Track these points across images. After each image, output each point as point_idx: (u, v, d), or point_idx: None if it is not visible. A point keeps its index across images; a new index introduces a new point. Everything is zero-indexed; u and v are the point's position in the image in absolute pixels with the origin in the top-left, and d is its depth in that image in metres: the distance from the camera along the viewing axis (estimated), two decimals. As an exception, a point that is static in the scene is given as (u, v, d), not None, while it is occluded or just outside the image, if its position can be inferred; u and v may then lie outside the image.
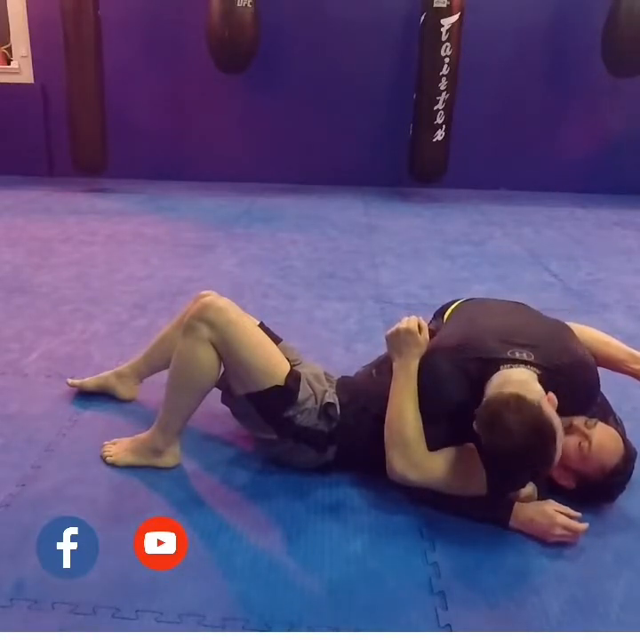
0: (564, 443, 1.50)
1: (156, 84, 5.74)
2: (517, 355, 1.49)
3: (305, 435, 1.62)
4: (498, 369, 1.47)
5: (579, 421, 1.52)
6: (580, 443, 1.50)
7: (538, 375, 1.46)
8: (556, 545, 1.45)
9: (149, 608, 1.25)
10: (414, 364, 1.58)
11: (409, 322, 1.62)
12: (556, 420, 1.37)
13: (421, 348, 1.60)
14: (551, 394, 1.42)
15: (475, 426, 1.41)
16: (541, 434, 1.34)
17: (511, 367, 1.47)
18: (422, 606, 1.29)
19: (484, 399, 1.42)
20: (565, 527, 1.45)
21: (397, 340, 1.61)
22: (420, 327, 1.61)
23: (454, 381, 1.52)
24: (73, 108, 5.08)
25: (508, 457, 1.36)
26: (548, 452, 1.36)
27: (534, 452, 1.35)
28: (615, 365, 1.70)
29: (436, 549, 1.45)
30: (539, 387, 1.43)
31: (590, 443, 1.50)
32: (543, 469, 1.41)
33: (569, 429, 1.51)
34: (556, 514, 1.46)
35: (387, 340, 1.65)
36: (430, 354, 1.59)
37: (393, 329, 1.63)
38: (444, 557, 1.42)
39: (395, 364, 1.61)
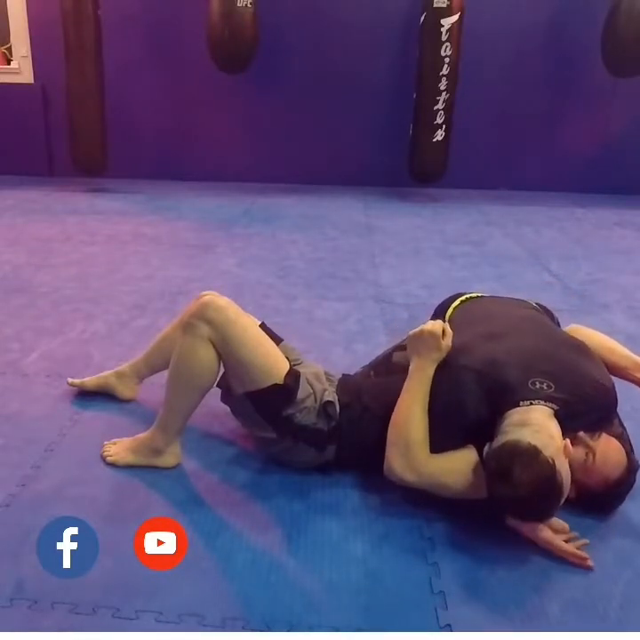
0: None
1: (156, 84, 5.74)
2: (538, 385, 1.48)
3: (304, 433, 1.62)
4: (516, 404, 1.46)
5: (583, 433, 1.51)
6: (585, 454, 1.49)
7: (555, 411, 1.45)
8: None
9: (149, 608, 1.25)
10: (430, 369, 1.58)
11: (434, 325, 1.61)
12: (567, 479, 1.37)
13: (441, 353, 1.59)
14: (567, 442, 1.41)
15: (484, 455, 1.42)
16: (545, 495, 1.34)
17: (530, 404, 1.46)
18: (422, 606, 1.29)
19: (501, 437, 1.40)
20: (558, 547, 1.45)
21: (419, 341, 1.60)
22: (444, 333, 1.61)
23: (476, 403, 1.52)
24: (73, 108, 5.08)
25: (506, 503, 1.38)
26: (546, 510, 1.38)
27: (532, 508, 1.37)
28: (618, 373, 1.70)
29: (436, 549, 1.45)
30: (556, 431, 1.42)
31: (594, 455, 1.49)
32: (535, 522, 1.42)
33: (574, 441, 1.49)
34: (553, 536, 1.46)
35: (409, 339, 1.65)
36: (453, 368, 1.58)
37: (417, 329, 1.63)
38: (444, 557, 1.42)
39: (411, 365, 1.61)
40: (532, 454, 1.34)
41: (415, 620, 1.26)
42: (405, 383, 1.59)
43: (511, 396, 1.48)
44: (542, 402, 1.46)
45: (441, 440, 1.53)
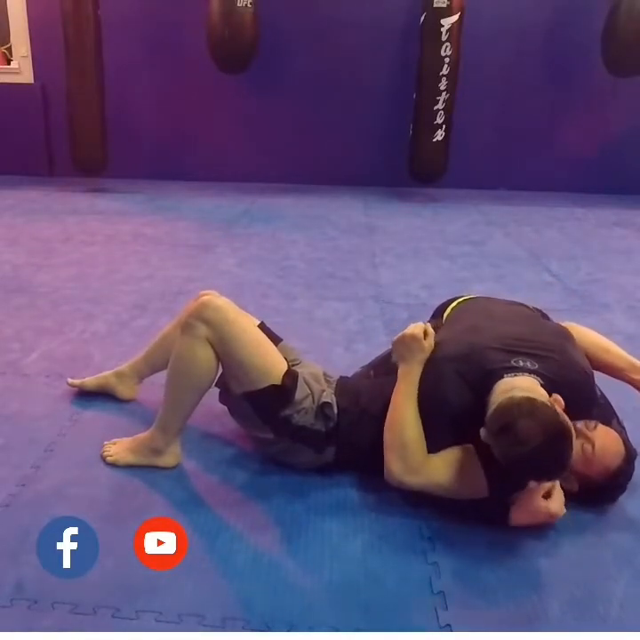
0: None
1: (156, 84, 5.74)
2: (521, 363, 1.49)
3: (301, 434, 1.62)
4: (501, 377, 1.47)
5: (580, 424, 1.52)
6: (582, 445, 1.50)
7: (541, 384, 1.46)
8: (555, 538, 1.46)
9: (149, 608, 1.25)
10: (417, 370, 1.58)
11: (414, 328, 1.62)
12: (569, 421, 1.37)
13: (425, 354, 1.59)
14: (557, 395, 1.42)
15: (483, 434, 1.40)
16: (558, 438, 1.33)
17: (515, 375, 1.46)
18: (422, 606, 1.29)
19: (492, 406, 1.41)
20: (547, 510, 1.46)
21: (402, 346, 1.61)
22: (426, 333, 1.61)
23: (458, 392, 1.53)
24: (73, 108, 5.08)
25: (524, 464, 1.34)
26: (565, 455, 1.35)
27: (551, 457, 1.34)
28: (614, 373, 1.70)
29: (436, 549, 1.45)
30: (544, 392, 1.42)
31: (593, 446, 1.50)
32: (559, 473, 1.39)
33: None
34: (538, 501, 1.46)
35: (393, 345, 1.65)
36: (434, 362, 1.59)
37: (399, 335, 1.64)
38: (444, 557, 1.42)
39: (399, 370, 1.61)
40: (529, 404, 1.34)
41: (415, 619, 1.26)
42: (395, 387, 1.59)
43: (495, 374, 1.48)
44: (527, 374, 1.47)
45: (434, 436, 1.52)
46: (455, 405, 1.53)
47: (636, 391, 1.69)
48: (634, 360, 1.70)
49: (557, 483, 1.48)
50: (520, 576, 1.38)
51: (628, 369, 1.69)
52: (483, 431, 1.40)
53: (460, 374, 1.54)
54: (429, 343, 1.61)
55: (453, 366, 1.55)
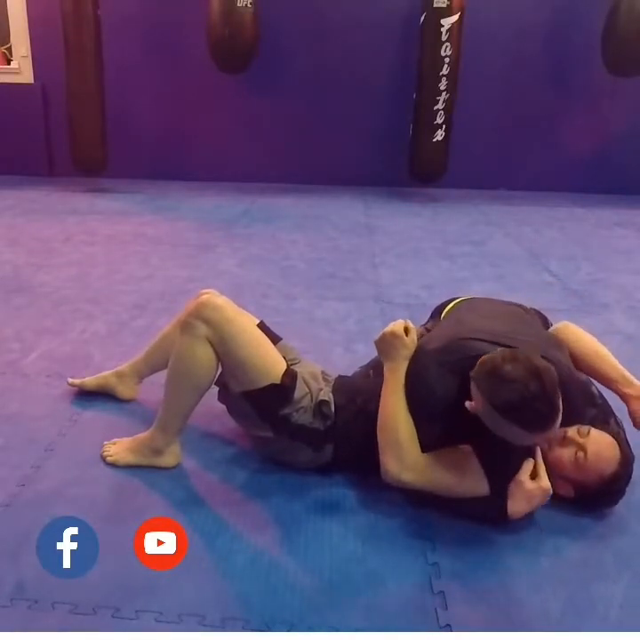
0: (560, 454, 1.50)
1: (156, 84, 5.74)
2: None
3: (300, 433, 1.62)
4: None
5: (572, 431, 1.51)
6: (575, 453, 1.49)
7: None
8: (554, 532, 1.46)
9: (149, 608, 1.25)
10: (403, 367, 1.58)
11: (395, 325, 1.61)
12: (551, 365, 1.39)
13: (409, 350, 1.59)
14: None
15: (469, 405, 1.41)
16: (544, 375, 1.33)
17: None
18: (422, 606, 1.29)
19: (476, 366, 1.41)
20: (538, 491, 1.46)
21: (385, 345, 1.60)
22: (407, 329, 1.60)
23: (442, 381, 1.52)
24: (73, 108, 5.08)
25: (516, 409, 1.32)
26: (554, 392, 1.34)
27: (541, 395, 1.32)
28: (605, 382, 1.68)
29: (436, 549, 1.44)
30: None
31: (586, 453, 1.49)
32: (553, 416, 1.35)
33: (563, 441, 1.49)
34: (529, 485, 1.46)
35: (375, 344, 1.64)
36: (417, 356, 1.59)
37: (380, 333, 1.63)
38: (444, 557, 1.42)
39: (385, 368, 1.61)
40: (510, 352, 1.39)
41: (415, 620, 1.26)
42: (383, 386, 1.59)
43: (478, 359, 1.46)
44: None
45: (425, 428, 1.52)
46: (441, 395, 1.52)
47: (625, 405, 1.65)
48: (626, 373, 1.67)
49: (540, 458, 1.48)
50: (520, 576, 1.38)
51: (620, 382, 1.65)
52: (468, 403, 1.41)
53: (441, 364, 1.54)
54: (412, 339, 1.60)
55: (435, 358, 1.56)
